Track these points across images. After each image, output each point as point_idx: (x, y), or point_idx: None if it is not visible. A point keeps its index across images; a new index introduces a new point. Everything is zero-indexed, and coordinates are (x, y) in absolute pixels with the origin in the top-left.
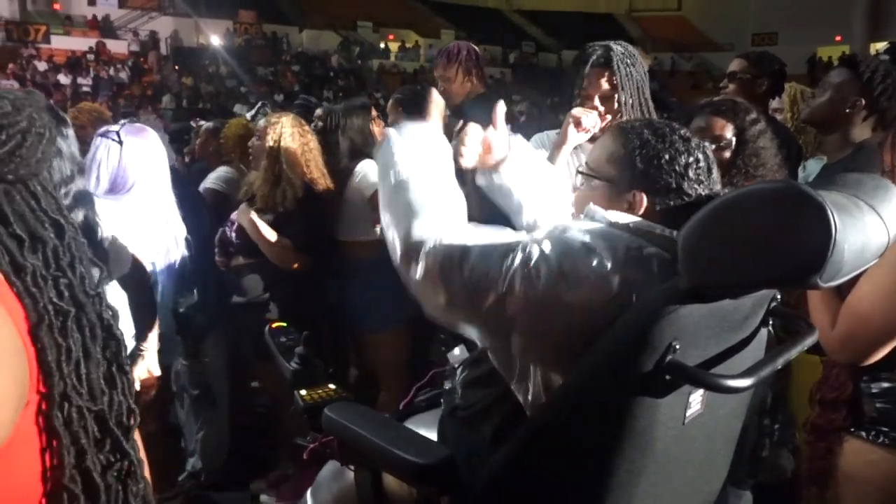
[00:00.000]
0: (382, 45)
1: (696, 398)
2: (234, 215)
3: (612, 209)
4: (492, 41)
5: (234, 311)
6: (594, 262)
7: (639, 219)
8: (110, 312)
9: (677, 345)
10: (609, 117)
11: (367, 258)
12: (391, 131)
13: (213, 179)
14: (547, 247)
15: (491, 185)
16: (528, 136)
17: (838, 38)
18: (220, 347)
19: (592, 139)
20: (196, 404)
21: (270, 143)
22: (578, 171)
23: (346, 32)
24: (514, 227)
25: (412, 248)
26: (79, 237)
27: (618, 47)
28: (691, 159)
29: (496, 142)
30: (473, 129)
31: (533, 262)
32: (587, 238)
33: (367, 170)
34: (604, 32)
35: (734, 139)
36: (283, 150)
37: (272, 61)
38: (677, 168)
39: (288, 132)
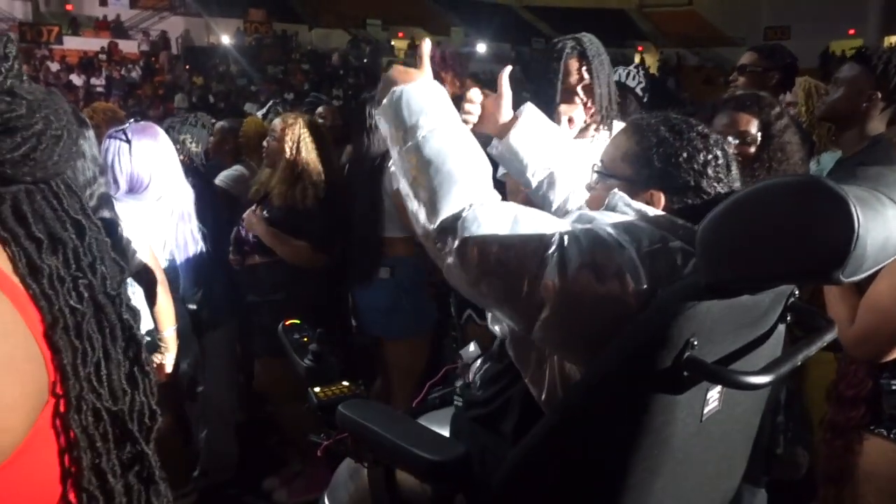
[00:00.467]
0: (392, 44)
1: (714, 395)
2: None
3: None
4: (501, 38)
5: (248, 309)
6: (624, 256)
7: (662, 212)
8: (131, 313)
9: (695, 341)
10: (591, 107)
11: (405, 255)
12: (400, 87)
13: (220, 178)
14: (580, 236)
15: (502, 152)
16: None
17: (851, 31)
18: (225, 345)
19: (580, 134)
20: (194, 402)
21: (289, 143)
22: (594, 170)
23: (355, 31)
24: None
25: (450, 221)
26: (101, 236)
27: (585, 38)
28: (710, 157)
29: (499, 105)
30: (475, 92)
31: (567, 250)
32: (612, 231)
33: None
34: (615, 28)
35: (759, 134)
36: (303, 150)
37: (282, 60)
38: (696, 166)
39: (307, 133)
